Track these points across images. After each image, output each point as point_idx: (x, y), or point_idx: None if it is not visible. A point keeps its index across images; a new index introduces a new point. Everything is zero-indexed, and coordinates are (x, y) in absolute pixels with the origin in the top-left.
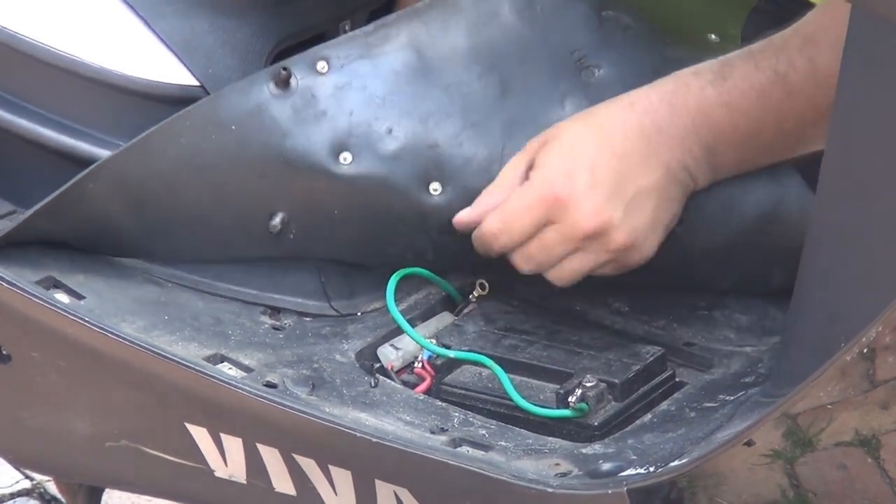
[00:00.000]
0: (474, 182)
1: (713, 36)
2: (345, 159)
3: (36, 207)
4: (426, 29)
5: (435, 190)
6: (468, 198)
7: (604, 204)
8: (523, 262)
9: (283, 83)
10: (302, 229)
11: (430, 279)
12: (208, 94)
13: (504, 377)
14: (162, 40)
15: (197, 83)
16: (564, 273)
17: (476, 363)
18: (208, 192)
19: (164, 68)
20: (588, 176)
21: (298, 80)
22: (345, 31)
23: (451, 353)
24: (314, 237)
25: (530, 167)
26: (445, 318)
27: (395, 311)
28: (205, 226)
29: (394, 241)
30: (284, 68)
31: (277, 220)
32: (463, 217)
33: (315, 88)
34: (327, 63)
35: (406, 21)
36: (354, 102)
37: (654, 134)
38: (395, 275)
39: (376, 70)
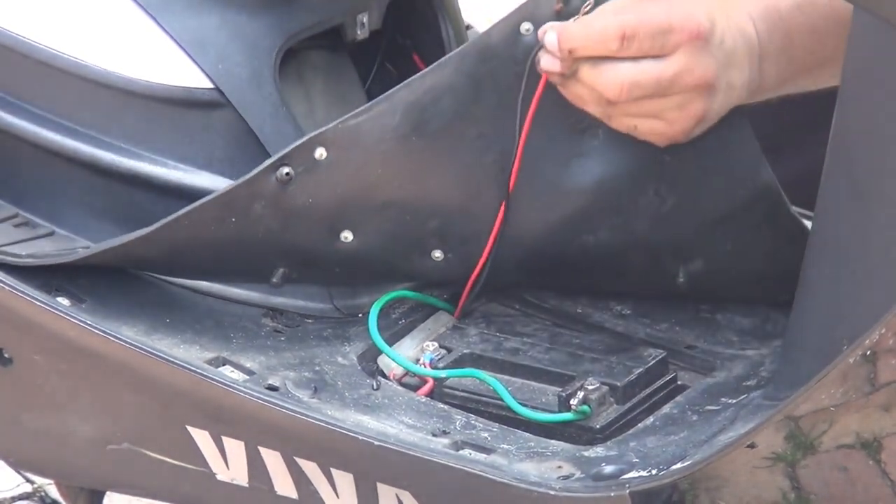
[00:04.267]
0: (477, 247)
1: None
2: (345, 238)
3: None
4: (422, 104)
5: (437, 257)
6: (470, 260)
7: (713, 53)
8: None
9: (285, 181)
10: (303, 277)
11: (419, 300)
12: (221, 93)
13: (501, 388)
14: (171, 37)
15: (202, 86)
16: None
17: (471, 377)
18: (210, 261)
19: (171, 69)
20: (709, 24)
21: (298, 171)
22: (362, 24)
23: (443, 373)
24: (315, 281)
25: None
26: (441, 319)
27: (378, 338)
28: (207, 276)
29: (395, 279)
30: (287, 173)
31: (278, 276)
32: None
33: (314, 176)
34: (325, 150)
35: (400, 98)
36: (354, 184)
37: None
38: (377, 301)
39: (374, 151)
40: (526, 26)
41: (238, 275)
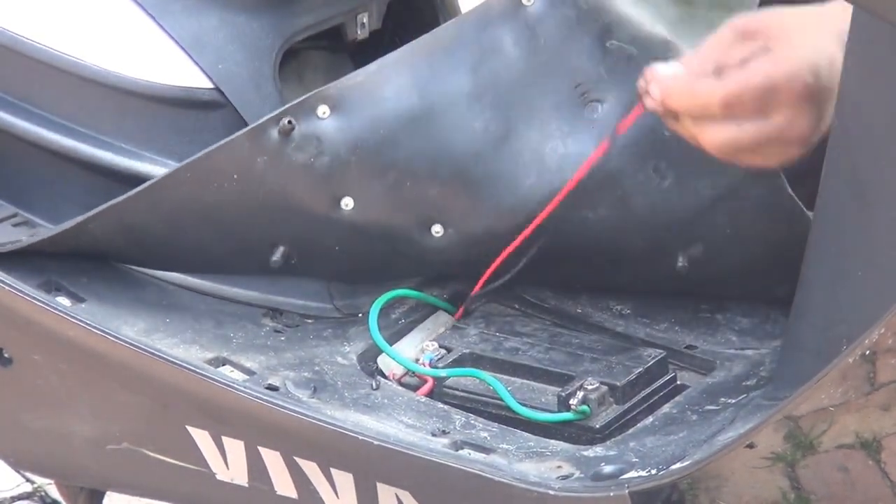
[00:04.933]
0: (477, 224)
1: None
2: (346, 205)
3: (48, 235)
4: (427, 68)
5: (437, 232)
6: (470, 240)
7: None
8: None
9: (286, 134)
10: (303, 259)
11: (419, 299)
12: (221, 93)
13: (500, 388)
14: (171, 37)
15: (202, 86)
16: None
17: (470, 377)
18: (209, 231)
19: (171, 69)
20: (813, 79)
21: (300, 126)
22: (362, 24)
23: (444, 373)
24: (315, 265)
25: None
26: (441, 319)
27: (378, 336)
28: (205, 259)
29: (395, 270)
30: (289, 121)
31: (279, 255)
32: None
33: (317, 134)
34: (329, 107)
35: (406, 61)
36: (356, 147)
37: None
38: (377, 301)
39: (377, 113)
40: None
41: (237, 255)
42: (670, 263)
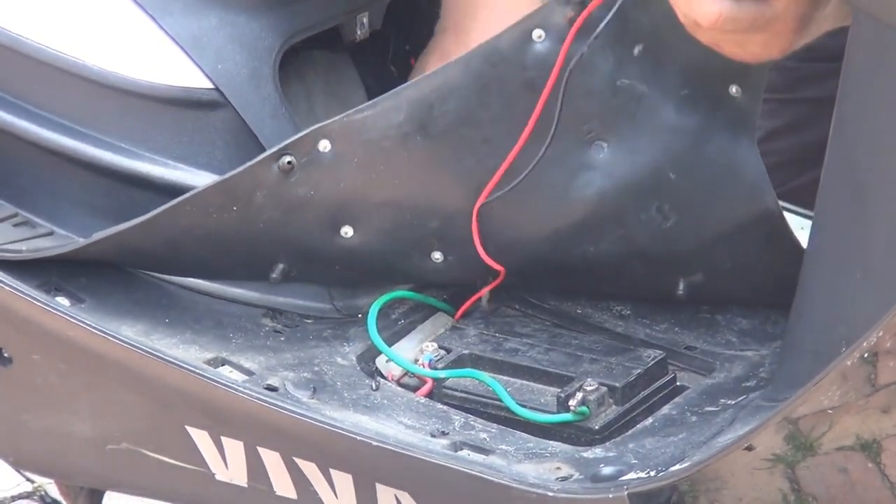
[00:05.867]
0: (477, 250)
1: (734, 88)
2: (346, 233)
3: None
4: (428, 103)
5: (437, 259)
6: (472, 264)
7: None
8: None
9: (286, 172)
10: (302, 274)
11: (419, 300)
12: (221, 93)
13: (500, 389)
14: (171, 37)
15: (202, 86)
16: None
17: (470, 378)
18: (207, 251)
19: (171, 69)
20: None
21: (301, 161)
22: (362, 24)
23: (443, 374)
24: (314, 279)
25: None
26: (441, 320)
27: (377, 338)
28: (205, 271)
29: (395, 280)
30: (289, 161)
31: (278, 272)
32: None
33: (317, 169)
34: (330, 142)
35: (407, 96)
36: (356, 179)
37: None
38: (376, 302)
39: (378, 147)
40: (538, 33)
41: (238, 270)
42: (671, 290)
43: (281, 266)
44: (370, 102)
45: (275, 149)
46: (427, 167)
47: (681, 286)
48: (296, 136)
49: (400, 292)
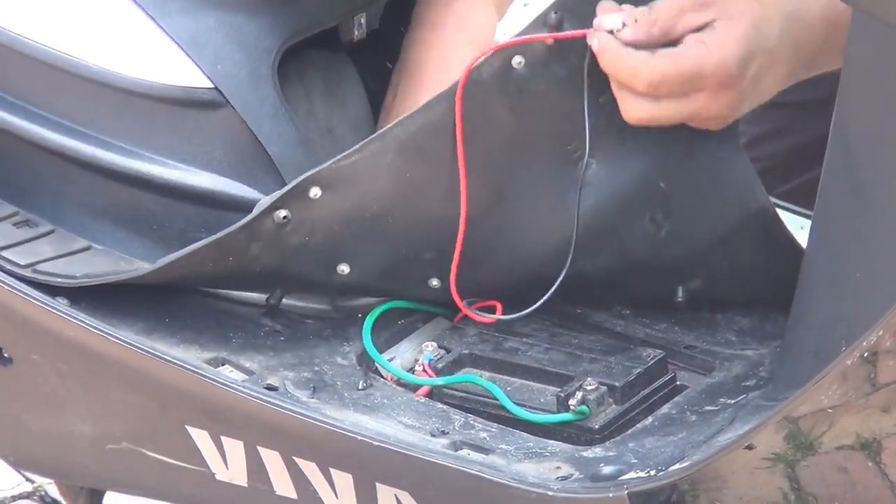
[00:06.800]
0: (473, 278)
1: None
2: (342, 270)
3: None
4: (414, 143)
5: (435, 285)
6: (471, 289)
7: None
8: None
9: (281, 225)
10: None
11: (413, 309)
12: (220, 93)
13: (498, 392)
14: (170, 37)
15: (202, 85)
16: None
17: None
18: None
19: (171, 69)
20: (739, 70)
21: (294, 212)
22: (360, 25)
23: (440, 381)
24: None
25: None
26: (441, 323)
27: (371, 348)
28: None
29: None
30: (285, 216)
31: (276, 297)
32: (628, 36)
33: (310, 216)
34: (320, 188)
35: (393, 137)
36: (349, 223)
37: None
38: (371, 314)
39: (368, 188)
40: (518, 59)
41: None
42: (669, 297)
43: (278, 293)
44: (357, 147)
45: (268, 203)
46: (418, 202)
47: (680, 293)
48: (287, 188)
49: (396, 302)
